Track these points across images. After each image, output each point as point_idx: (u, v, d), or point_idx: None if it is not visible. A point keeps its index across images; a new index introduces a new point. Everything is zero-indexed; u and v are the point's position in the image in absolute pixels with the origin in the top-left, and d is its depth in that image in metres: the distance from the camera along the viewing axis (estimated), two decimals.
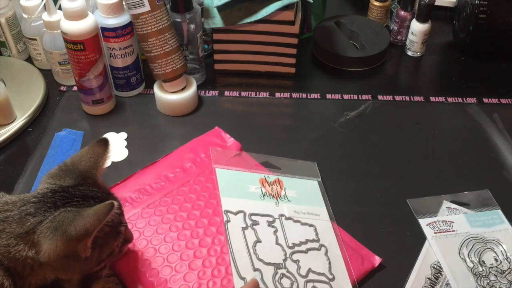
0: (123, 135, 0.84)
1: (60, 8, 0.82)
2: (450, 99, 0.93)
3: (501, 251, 0.68)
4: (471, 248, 0.68)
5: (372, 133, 0.86)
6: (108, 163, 0.78)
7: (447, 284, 0.64)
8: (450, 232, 0.69)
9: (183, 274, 0.63)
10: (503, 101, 0.93)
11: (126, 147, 0.82)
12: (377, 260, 0.66)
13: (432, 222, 0.70)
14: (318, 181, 0.76)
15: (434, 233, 0.69)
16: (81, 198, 0.54)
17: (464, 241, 0.68)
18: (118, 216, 0.57)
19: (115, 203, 0.52)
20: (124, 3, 0.82)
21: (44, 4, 0.86)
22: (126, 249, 0.62)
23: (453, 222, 0.70)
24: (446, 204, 0.73)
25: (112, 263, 0.63)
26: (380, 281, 0.65)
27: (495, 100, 0.93)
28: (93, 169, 0.58)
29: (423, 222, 0.70)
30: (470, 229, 0.70)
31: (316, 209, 0.72)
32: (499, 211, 0.72)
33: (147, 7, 0.78)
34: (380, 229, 0.71)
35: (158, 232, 0.68)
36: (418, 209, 0.72)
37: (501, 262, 0.66)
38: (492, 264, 0.66)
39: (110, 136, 0.84)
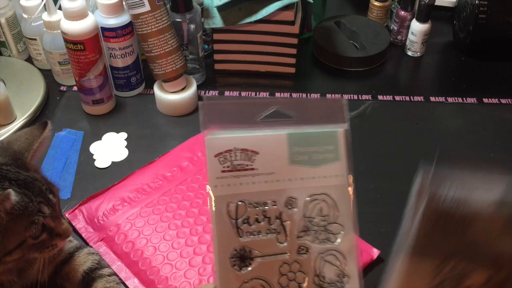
0: (123, 135, 0.84)
1: (60, 8, 0.82)
2: (450, 99, 0.93)
3: None
4: None
5: (372, 133, 0.86)
6: (108, 163, 0.79)
7: None
8: None
9: (184, 271, 0.63)
10: (503, 101, 0.93)
11: (126, 147, 0.82)
12: (375, 252, 0.66)
13: None
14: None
15: None
16: None
17: None
18: (31, 205, 0.53)
19: (12, 193, 0.50)
20: (124, 3, 0.82)
21: (44, 4, 0.86)
22: (61, 245, 0.58)
23: None
24: None
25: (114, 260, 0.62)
26: (379, 274, 0.64)
27: (495, 100, 0.93)
28: (25, 151, 0.56)
29: None
30: None
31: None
32: None
33: (147, 7, 0.78)
34: (380, 229, 0.70)
35: (157, 231, 0.68)
36: None
37: None
38: None
39: (110, 136, 0.84)
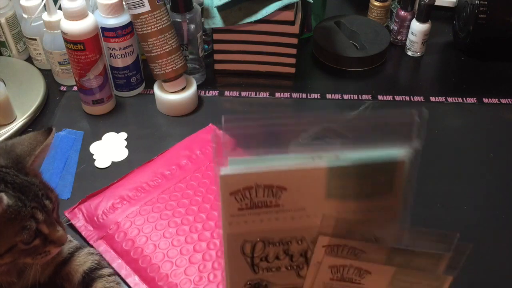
0: (123, 135, 0.84)
1: (60, 8, 0.82)
2: (450, 99, 0.93)
3: None
4: None
5: None
6: (108, 163, 0.79)
7: None
8: None
9: (184, 268, 0.64)
10: (503, 101, 0.93)
11: (126, 147, 0.82)
12: None
13: None
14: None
15: None
16: None
17: None
18: (24, 210, 0.52)
19: (4, 197, 0.49)
20: (124, 3, 0.82)
21: (44, 4, 0.86)
22: (55, 252, 0.57)
23: None
24: None
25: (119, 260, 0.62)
26: None
27: (495, 100, 0.93)
28: (27, 156, 0.56)
29: None
30: None
31: None
32: None
33: (147, 7, 0.78)
34: None
35: (157, 228, 0.68)
36: None
37: None
38: None
39: (110, 136, 0.84)
